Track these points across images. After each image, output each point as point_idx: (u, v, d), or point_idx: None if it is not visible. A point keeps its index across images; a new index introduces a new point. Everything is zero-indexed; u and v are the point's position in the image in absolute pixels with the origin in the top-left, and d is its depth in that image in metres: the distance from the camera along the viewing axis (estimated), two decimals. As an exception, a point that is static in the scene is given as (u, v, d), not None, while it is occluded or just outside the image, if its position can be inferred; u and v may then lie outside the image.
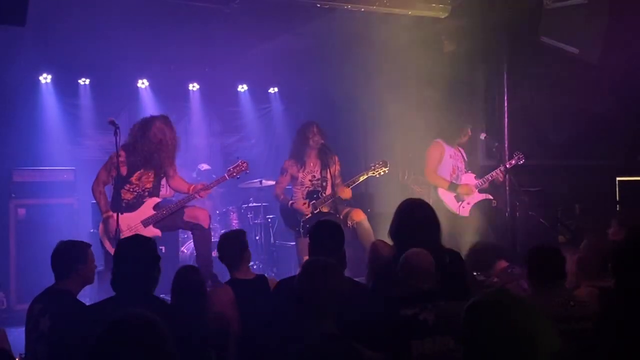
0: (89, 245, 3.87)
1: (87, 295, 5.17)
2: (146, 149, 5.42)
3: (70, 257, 3.60)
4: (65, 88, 8.05)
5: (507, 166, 6.54)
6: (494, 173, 6.63)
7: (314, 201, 6.30)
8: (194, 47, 7.55)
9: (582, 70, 6.98)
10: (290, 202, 6.34)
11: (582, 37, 6.86)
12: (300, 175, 6.39)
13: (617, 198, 7.14)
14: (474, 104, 7.57)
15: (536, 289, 3.34)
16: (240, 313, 3.72)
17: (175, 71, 8.39)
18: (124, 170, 5.37)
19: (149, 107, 8.61)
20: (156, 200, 5.55)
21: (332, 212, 6.23)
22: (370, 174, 6.29)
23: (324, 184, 6.36)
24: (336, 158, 6.46)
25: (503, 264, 4.64)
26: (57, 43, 7.03)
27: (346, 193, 6.18)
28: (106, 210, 5.38)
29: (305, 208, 6.25)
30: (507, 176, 6.46)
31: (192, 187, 5.63)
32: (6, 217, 6.73)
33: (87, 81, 8.14)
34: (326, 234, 3.73)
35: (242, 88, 9.32)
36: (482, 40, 7.07)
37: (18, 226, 6.73)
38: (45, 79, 7.97)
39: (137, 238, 3.34)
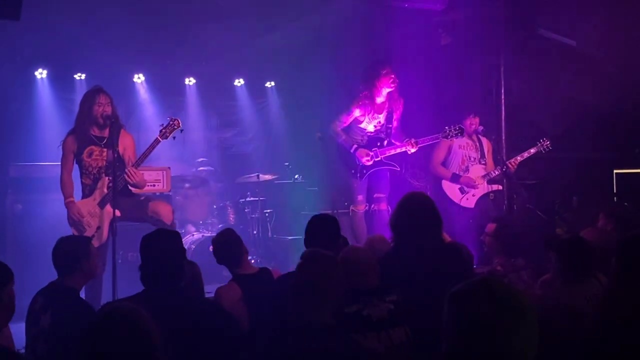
0: (90, 240, 3.87)
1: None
2: (83, 121, 5.39)
3: (74, 254, 3.54)
4: (61, 83, 7.99)
5: (527, 155, 6.46)
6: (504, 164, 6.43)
7: (376, 149, 6.16)
8: (190, 41, 7.52)
9: (580, 62, 6.97)
10: (355, 146, 6.13)
11: (581, 29, 6.86)
12: (367, 117, 6.17)
13: (615, 190, 7.14)
14: (471, 96, 7.56)
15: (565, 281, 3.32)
16: (248, 307, 3.65)
17: (172, 65, 8.34)
18: (74, 148, 5.33)
19: (145, 101, 8.59)
20: (109, 178, 5.29)
21: (394, 164, 6.20)
22: (442, 137, 6.16)
23: (388, 132, 6.21)
24: (401, 103, 6.27)
25: None
26: (53, 38, 6.98)
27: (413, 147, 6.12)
28: (67, 196, 5.33)
29: (366, 160, 6.09)
30: (504, 169, 6.39)
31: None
32: (3, 213, 6.69)
33: (83, 76, 8.08)
34: (320, 227, 3.73)
35: (239, 82, 9.28)
36: (479, 33, 7.06)
37: (15, 221, 6.69)
38: (41, 74, 7.93)
39: (160, 233, 3.22)
